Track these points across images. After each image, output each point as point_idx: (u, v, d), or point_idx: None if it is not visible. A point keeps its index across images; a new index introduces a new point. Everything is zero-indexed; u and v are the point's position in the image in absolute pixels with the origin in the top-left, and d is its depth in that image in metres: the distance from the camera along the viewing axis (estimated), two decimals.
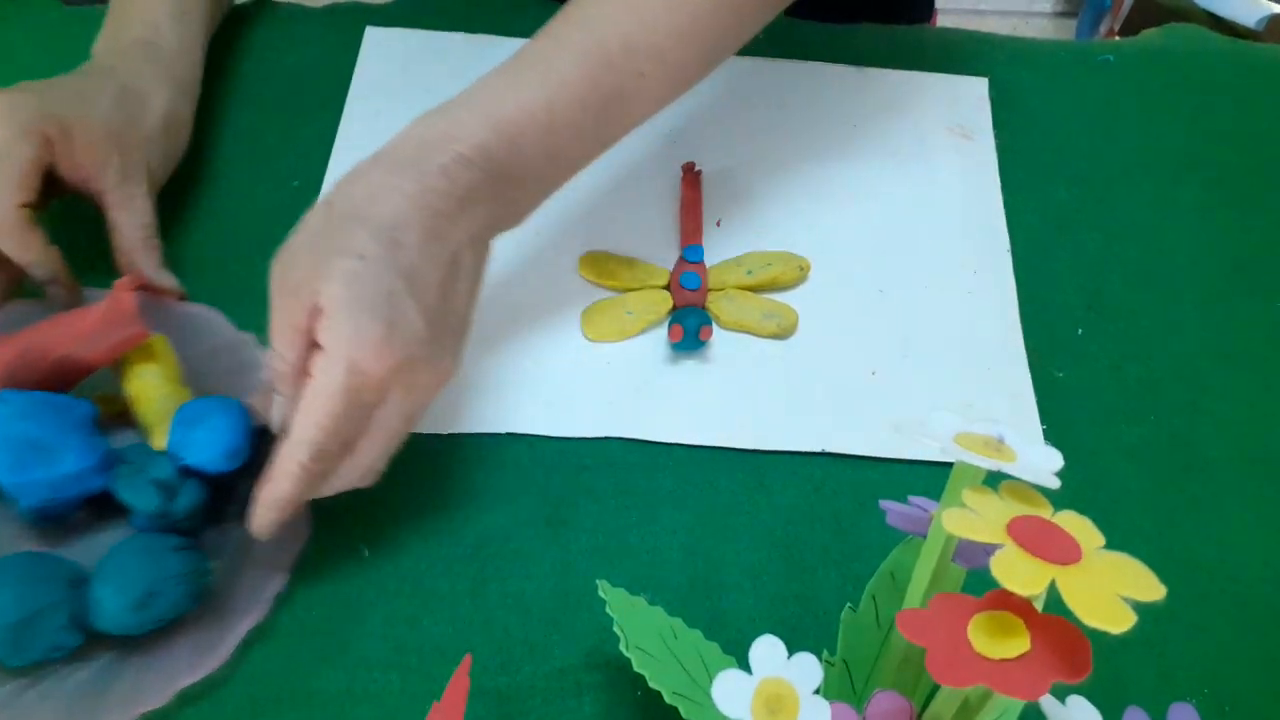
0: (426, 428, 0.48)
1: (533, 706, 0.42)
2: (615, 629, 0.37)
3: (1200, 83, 0.65)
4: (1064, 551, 0.25)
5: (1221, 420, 0.52)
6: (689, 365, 0.52)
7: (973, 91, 0.64)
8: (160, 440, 0.43)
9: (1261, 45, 0.71)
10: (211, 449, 0.42)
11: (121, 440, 0.45)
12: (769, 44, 0.65)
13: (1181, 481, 0.50)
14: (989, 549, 0.25)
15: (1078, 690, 0.31)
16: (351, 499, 0.47)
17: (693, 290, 0.53)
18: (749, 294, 0.54)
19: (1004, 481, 0.28)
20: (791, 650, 0.30)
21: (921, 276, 0.56)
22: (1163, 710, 0.32)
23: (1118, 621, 0.22)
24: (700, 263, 0.54)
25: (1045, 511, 0.27)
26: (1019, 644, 0.24)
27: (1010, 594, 0.24)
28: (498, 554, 0.46)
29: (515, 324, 0.53)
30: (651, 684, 0.35)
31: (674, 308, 0.53)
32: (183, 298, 0.51)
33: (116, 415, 0.46)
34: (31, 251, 0.48)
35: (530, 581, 0.45)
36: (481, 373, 0.51)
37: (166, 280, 0.51)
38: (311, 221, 0.41)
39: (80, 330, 0.45)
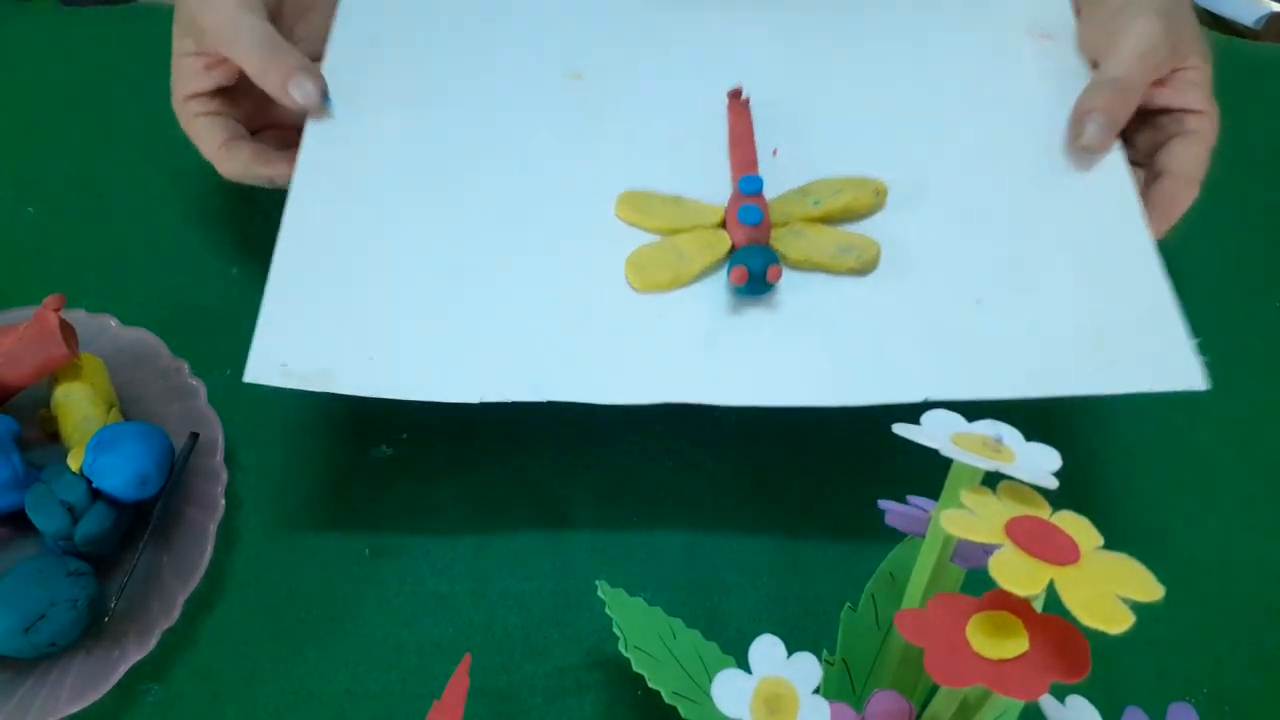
0: (452, 395, 0.42)
1: (533, 706, 0.42)
2: (615, 629, 0.37)
3: None
4: (1062, 552, 0.25)
5: (1221, 420, 0.52)
6: (755, 313, 0.44)
7: None
8: (76, 461, 0.43)
9: (1260, 44, 0.71)
10: (122, 474, 0.42)
11: (55, 460, 0.45)
12: None
13: (1181, 481, 0.50)
14: (988, 549, 0.25)
15: (1077, 690, 0.31)
16: (351, 499, 0.47)
17: (754, 225, 0.45)
18: (819, 226, 0.46)
19: (1002, 482, 0.28)
20: (791, 650, 0.30)
21: (1020, 189, 0.48)
22: (1162, 710, 0.32)
23: (1116, 622, 0.22)
24: (760, 194, 0.46)
25: (1043, 512, 0.27)
26: (1018, 644, 0.24)
27: (1009, 594, 0.24)
28: (498, 554, 0.46)
29: (549, 277, 0.45)
30: (651, 684, 0.35)
31: (733, 248, 0.45)
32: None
33: (54, 434, 0.46)
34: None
35: (530, 581, 0.45)
36: (512, 332, 0.43)
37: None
38: None
39: (2, 350, 0.45)
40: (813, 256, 0.45)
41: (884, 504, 0.34)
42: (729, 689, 0.29)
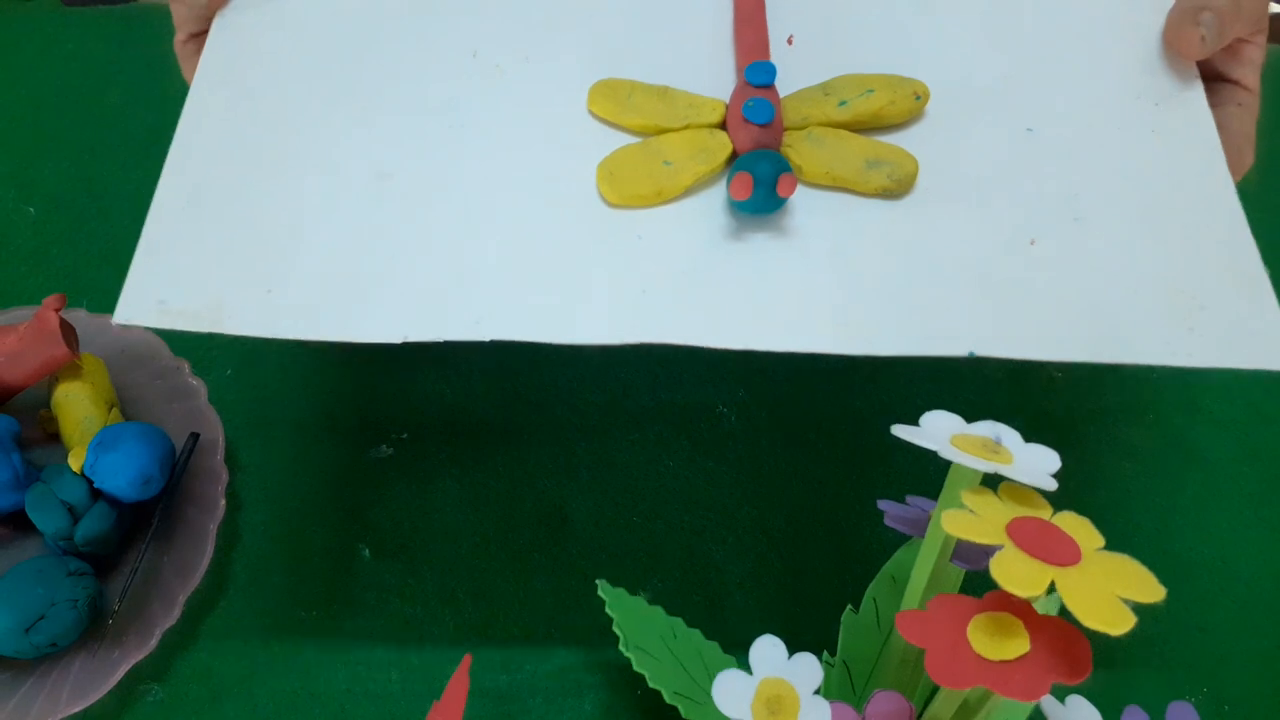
0: (368, 334, 0.34)
1: (533, 706, 0.42)
2: (615, 629, 0.37)
3: None
4: (1063, 553, 0.25)
5: (1221, 420, 0.52)
6: (759, 239, 0.36)
7: None
8: (77, 462, 0.43)
9: None
10: (124, 474, 0.42)
11: (55, 460, 0.45)
12: None
13: (1181, 481, 0.50)
14: (988, 550, 0.25)
15: (1077, 690, 0.31)
16: (351, 499, 0.47)
17: (763, 125, 0.36)
18: (844, 133, 0.38)
19: (1003, 482, 0.28)
20: (791, 651, 0.30)
21: (1085, 111, 0.40)
22: (1162, 710, 0.32)
23: (1117, 623, 0.22)
24: (771, 86, 0.37)
25: (1044, 512, 0.27)
26: (1018, 645, 0.24)
27: (1010, 595, 0.24)
28: (498, 554, 0.46)
29: (497, 188, 0.37)
30: (651, 684, 0.35)
31: (734, 155, 0.37)
32: None
33: (55, 434, 0.46)
34: None
35: (530, 581, 0.45)
36: (450, 256, 0.35)
37: None
38: None
39: (3, 350, 0.45)
40: (834, 170, 0.37)
41: (883, 504, 0.34)
42: (730, 690, 0.29)
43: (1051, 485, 0.26)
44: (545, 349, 0.34)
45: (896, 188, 0.37)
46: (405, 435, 0.49)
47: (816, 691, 0.29)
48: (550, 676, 0.43)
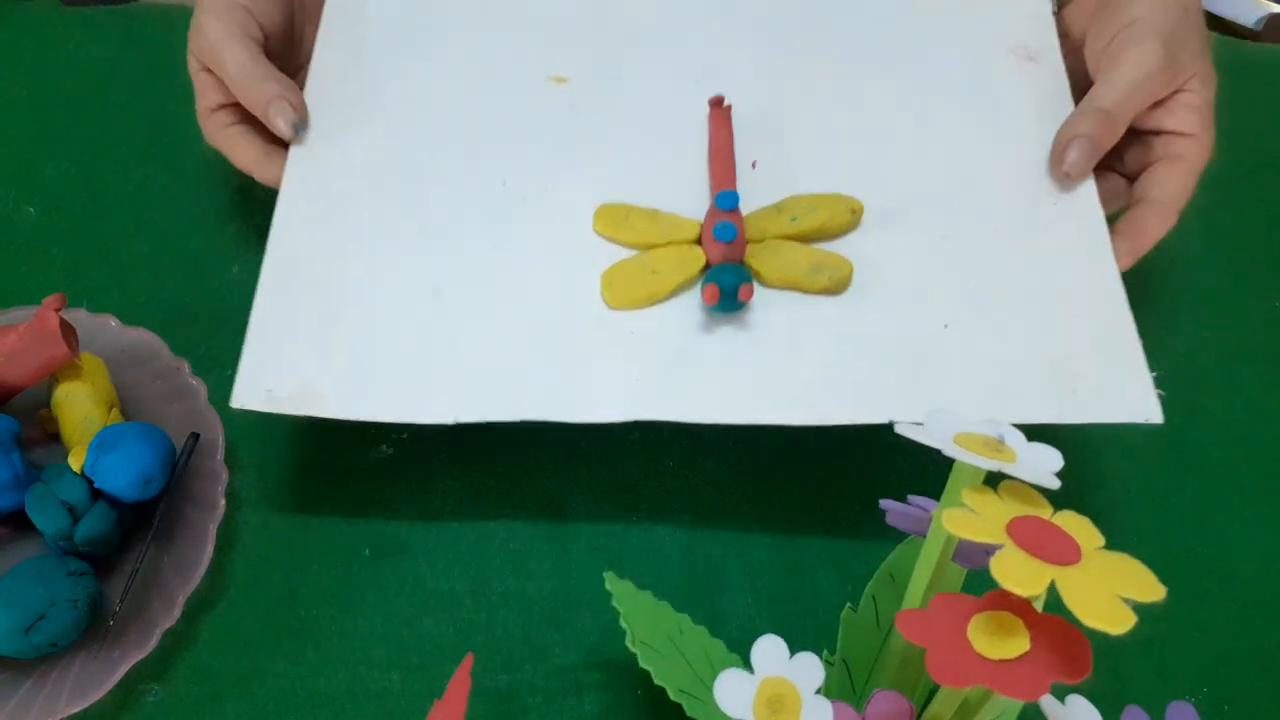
0: (432, 416, 0.42)
1: (533, 705, 0.42)
2: (621, 623, 0.36)
3: None
4: (1063, 552, 0.25)
5: (1221, 420, 0.52)
6: (727, 331, 0.44)
7: (1033, 9, 0.54)
8: (77, 462, 0.43)
9: (1260, 45, 0.71)
10: (125, 474, 0.42)
11: (55, 460, 0.45)
12: None
13: (1181, 481, 0.50)
14: (989, 549, 0.25)
15: (1077, 690, 0.31)
16: (351, 499, 0.47)
17: (728, 243, 0.44)
18: (794, 244, 0.46)
19: (1004, 481, 0.28)
20: (792, 650, 0.30)
21: (992, 213, 0.48)
22: (1162, 710, 0.32)
23: (1118, 622, 0.22)
24: (735, 210, 0.46)
25: (1045, 512, 0.27)
26: (1019, 644, 0.24)
27: (1010, 594, 0.24)
28: (498, 554, 0.46)
29: (523, 292, 0.45)
30: (656, 680, 0.35)
31: (707, 265, 0.45)
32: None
33: (55, 434, 0.46)
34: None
35: (530, 581, 0.45)
36: (489, 352, 0.44)
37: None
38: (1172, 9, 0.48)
39: (3, 350, 0.45)
40: (787, 274, 0.45)
41: (885, 503, 0.34)
42: (731, 689, 0.29)
43: (1054, 484, 0.26)
44: None
45: (836, 287, 0.45)
46: (405, 435, 0.49)
47: (818, 691, 0.29)
48: (550, 676, 0.43)
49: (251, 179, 0.50)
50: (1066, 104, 0.50)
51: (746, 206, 0.47)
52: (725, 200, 0.46)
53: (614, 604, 0.37)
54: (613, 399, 0.43)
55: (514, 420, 0.42)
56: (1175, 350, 0.54)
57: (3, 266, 0.54)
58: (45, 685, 0.40)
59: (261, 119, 0.49)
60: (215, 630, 0.44)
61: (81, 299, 0.51)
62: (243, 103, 0.49)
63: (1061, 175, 0.47)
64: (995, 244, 0.47)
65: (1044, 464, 0.27)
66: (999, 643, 0.24)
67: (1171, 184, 0.48)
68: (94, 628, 0.42)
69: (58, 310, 0.45)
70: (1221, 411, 0.52)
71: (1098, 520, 0.26)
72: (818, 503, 0.48)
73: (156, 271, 0.54)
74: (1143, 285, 0.57)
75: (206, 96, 0.50)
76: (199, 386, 0.47)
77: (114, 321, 0.49)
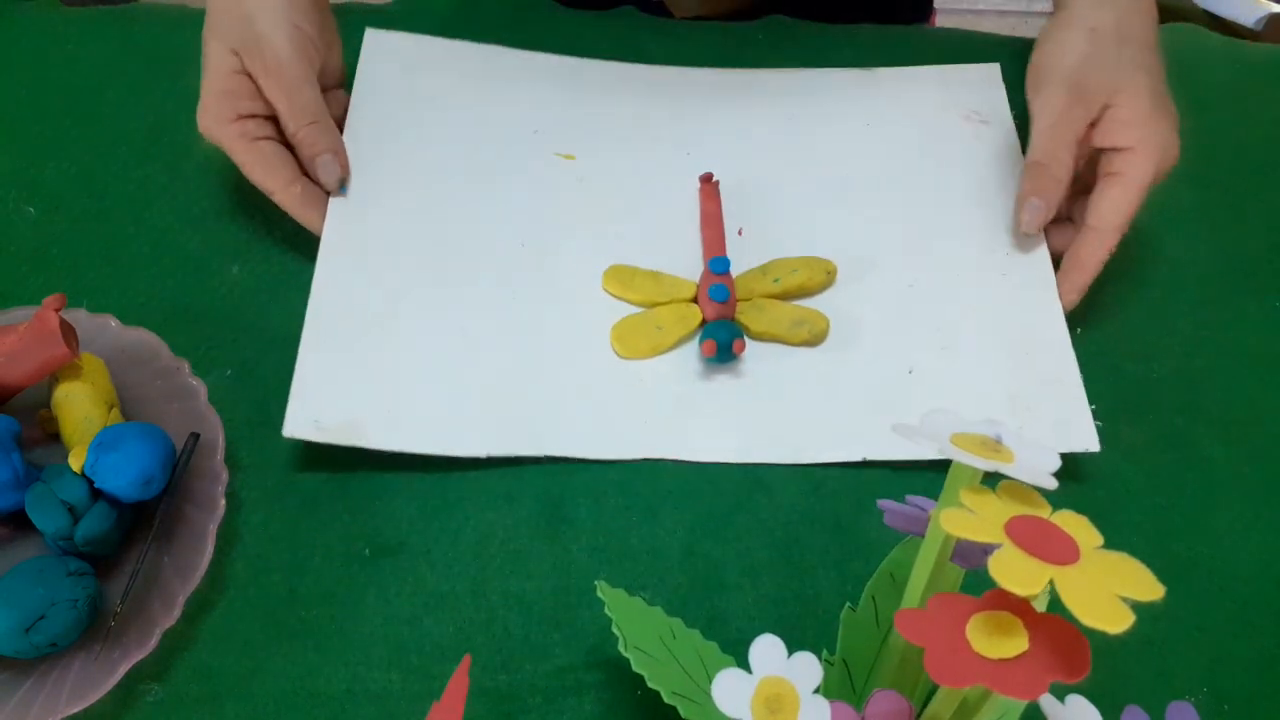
0: (463, 450, 0.47)
1: (533, 706, 0.42)
2: (614, 629, 0.37)
3: (1199, 82, 0.65)
4: (1062, 551, 0.25)
5: (1221, 420, 0.52)
6: (722, 379, 0.51)
7: (985, 77, 0.63)
8: (77, 462, 0.43)
9: (1260, 45, 0.71)
10: (126, 475, 0.42)
11: (55, 460, 0.45)
12: (769, 46, 0.65)
13: (1181, 481, 0.50)
14: (987, 549, 0.25)
15: (1077, 689, 0.31)
16: (351, 499, 0.47)
17: (722, 302, 0.51)
18: (777, 302, 0.52)
19: (1002, 481, 0.28)
20: (791, 650, 0.30)
21: (952, 266, 0.54)
22: (1162, 710, 0.32)
23: (1116, 621, 0.22)
24: (727, 274, 0.52)
25: (1044, 511, 0.27)
26: (1017, 644, 0.24)
27: (1009, 594, 0.24)
28: (498, 554, 0.46)
29: (542, 343, 0.51)
30: (650, 684, 0.35)
31: (703, 321, 0.51)
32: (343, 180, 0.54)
33: (55, 434, 0.46)
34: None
35: (530, 581, 0.45)
36: (512, 396, 0.49)
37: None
38: (1077, 45, 0.53)
39: (3, 350, 0.44)
40: (772, 329, 0.51)
41: (882, 503, 0.34)
42: (729, 689, 0.29)
43: (1052, 484, 0.26)
44: None
45: (814, 339, 0.52)
46: None
47: (816, 690, 0.29)
48: (550, 676, 0.43)
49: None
50: (1017, 161, 0.58)
51: (735, 269, 0.53)
52: (718, 265, 0.52)
53: (606, 611, 0.37)
54: (625, 438, 0.49)
55: (539, 455, 0.48)
56: (1175, 350, 0.54)
57: (3, 266, 0.54)
58: (45, 685, 0.40)
59: (305, 163, 0.52)
60: (215, 630, 0.44)
61: (81, 299, 0.51)
62: (291, 137, 0.51)
63: (1022, 235, 0.53)
64: (955, 291, 0.53)
65: (1041, 464, 0.27)
66: (997, 642, 0.24)
67: (1105, 206, 0.51)
68: (94, 628, 0.42)
69: (58, 310, 0.45)
70: (1221, 411, 0.52)
71: (1097, 520, 0.26)
72: (817, 503, 0.48)
73: (156, 271, 0.54)
74: (1143, 285, 0.57)
75: (239, 102, 0.51)
76: (199, 386, 0.47)
77: (114, 321, 0.49)
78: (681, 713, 0.35)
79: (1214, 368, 0.54)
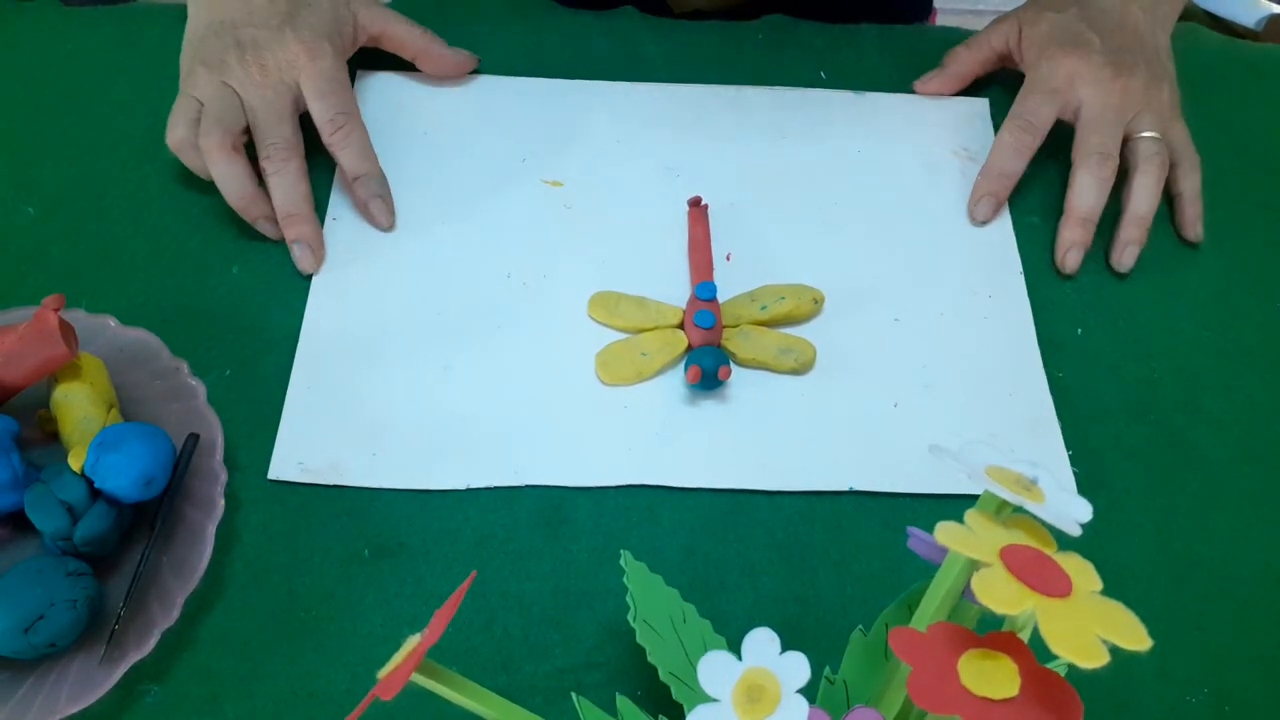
0: (442, 483, 0.47)
1: (533, 706, 0.42)
2: (628, 599, 0.36)
3: (1198, 82, 0.65)
4: (1053, 584, 0.24)
5: (1221, 420, 0.52)
6: (707, 406, 0.50)
7: (974, 112, 0.63)
8: (77, 462, 0.43)
9: (1260, 45, 0.71)
10: (126, 475, 0.42)
11: (55, 460, 0.45)
12: (769, 45, 0.65)
13: (1181, 481, 0.50)
14: None
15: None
16: (351, 499, 0.47)
17: (708, 329, 0.50)
18: (764, 329, 0.52)
19: (1014, 514, 0.27)
20: (785, 649, 0.30)
21: (936, 304, 0.54)
22: (1162, 710, 0.32)
23: (1090, 657, 0.22)
24: (714, 300, 0.52)
25: (1048, 549, 0.26)
26: (1007, 688, 0.24)
27: (1012, 639, 0.24)
28: (497, 554, 0.46)
29: (527, 370, 0.51)
30: (650, 659, 0.35)
31: (689, 347, 0.51)
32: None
33: (54, 434, 0.46)
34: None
35: (530, 582, 0.45)
36: (495, 423, 0.49)
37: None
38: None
39: (2, 350, 0.44)
40: (758, 356, 0.51)
41: (911, 530, 0.33)
42: (715, 668, 0.29)
43: (1075, 531, 0.26)
44: None
45: (801, 368, 0.51)
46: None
47: (800, 691, 0.29)
48: (550, 676, 0.43)
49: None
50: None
51: (722, 295, 0.53)
52: (705, 290, 0.52)
53: (625, 581, 0.37)
54: (607, 466, 0.48)
55: (519, 486, 0.48)
56: (1174, 351, 0.54)
57: (2, 266, 0.54)
58: (45, 685, 0.41)
59: (358, 208, 0.56)
60: (215, 631, 0.44)
61: (81, 299, 0.51)
62: (278, 218, 0.54)
63: (976, 224, 0.58)
64: (939, 330, 0.54)
65: (1072, 511, 0.27)
66: (987, 681, 0.24)
67: (1087, 194, 0.57)
68: (93, 628, 0.42)
69: (57, 310, 0.45)
70: (1221, 411, 0.52)
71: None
72: (817, 503, 0.48)
73: (155, 271, 0.54)
74: (1143, 285, 0.57)
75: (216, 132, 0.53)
76: (198, 386, 0.47)
77: (113, 321, 0.49)
78: (674, 694, 0.35)
79: (1214, 367, 0.54)
